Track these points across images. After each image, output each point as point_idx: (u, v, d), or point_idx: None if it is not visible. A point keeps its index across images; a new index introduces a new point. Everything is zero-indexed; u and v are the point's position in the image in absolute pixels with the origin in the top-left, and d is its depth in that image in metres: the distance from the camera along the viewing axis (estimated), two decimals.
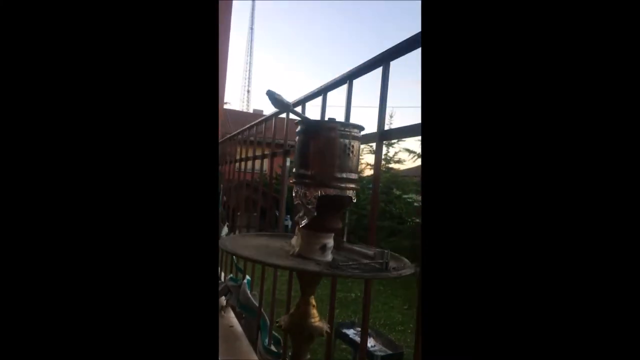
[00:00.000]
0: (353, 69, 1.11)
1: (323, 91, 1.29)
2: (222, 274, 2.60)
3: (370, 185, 0.96)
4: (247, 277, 2.06)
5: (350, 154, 0.60)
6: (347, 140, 0.59)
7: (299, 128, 0.61)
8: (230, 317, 1.93)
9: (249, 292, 1.84)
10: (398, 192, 7.32)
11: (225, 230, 2.61)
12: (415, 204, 6.82)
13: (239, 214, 2.09)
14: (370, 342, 3.33)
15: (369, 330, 3.15)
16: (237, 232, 2.47)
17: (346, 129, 0.60)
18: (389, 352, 3.39)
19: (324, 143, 0.59)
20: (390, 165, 8.18)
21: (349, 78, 1.14)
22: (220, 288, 2.13)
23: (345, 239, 0.67)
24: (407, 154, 8.42)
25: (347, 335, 3.67)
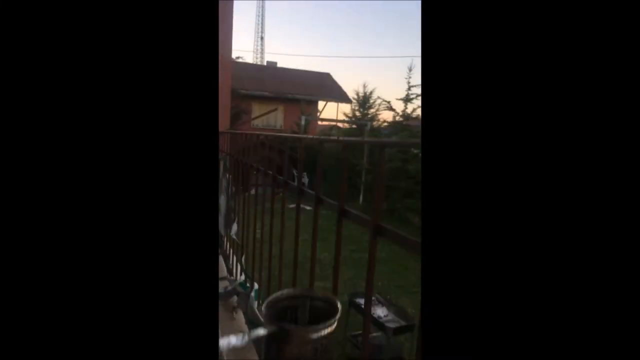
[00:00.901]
0: None
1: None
2: (239, 267, 2.52)
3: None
4: (256, 285, 2.06)
5: None
6: None
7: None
8: (242, 323, 1.96)
9: (255, 305, 1.85)
10: (416, 151, 7.16)
11: (235, 228, 2.55)
12: None
13: (255, 172, 2.01)
14: (383, 312, 3.41)
15: (382, 299, 3.23)
16: (251, 191, 2.34)
17: None
18: (402, 322, 3.47)
19: None
20: (409, 122, 7.92)
21: None
22: (231, 288, 2.15)
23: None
24: None
25: (361, 305, 3.77)
